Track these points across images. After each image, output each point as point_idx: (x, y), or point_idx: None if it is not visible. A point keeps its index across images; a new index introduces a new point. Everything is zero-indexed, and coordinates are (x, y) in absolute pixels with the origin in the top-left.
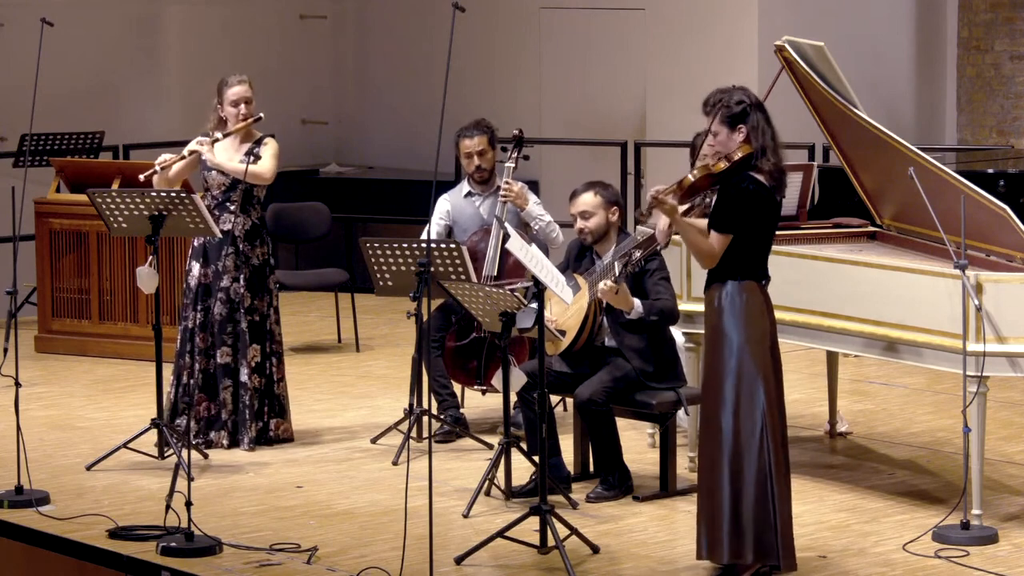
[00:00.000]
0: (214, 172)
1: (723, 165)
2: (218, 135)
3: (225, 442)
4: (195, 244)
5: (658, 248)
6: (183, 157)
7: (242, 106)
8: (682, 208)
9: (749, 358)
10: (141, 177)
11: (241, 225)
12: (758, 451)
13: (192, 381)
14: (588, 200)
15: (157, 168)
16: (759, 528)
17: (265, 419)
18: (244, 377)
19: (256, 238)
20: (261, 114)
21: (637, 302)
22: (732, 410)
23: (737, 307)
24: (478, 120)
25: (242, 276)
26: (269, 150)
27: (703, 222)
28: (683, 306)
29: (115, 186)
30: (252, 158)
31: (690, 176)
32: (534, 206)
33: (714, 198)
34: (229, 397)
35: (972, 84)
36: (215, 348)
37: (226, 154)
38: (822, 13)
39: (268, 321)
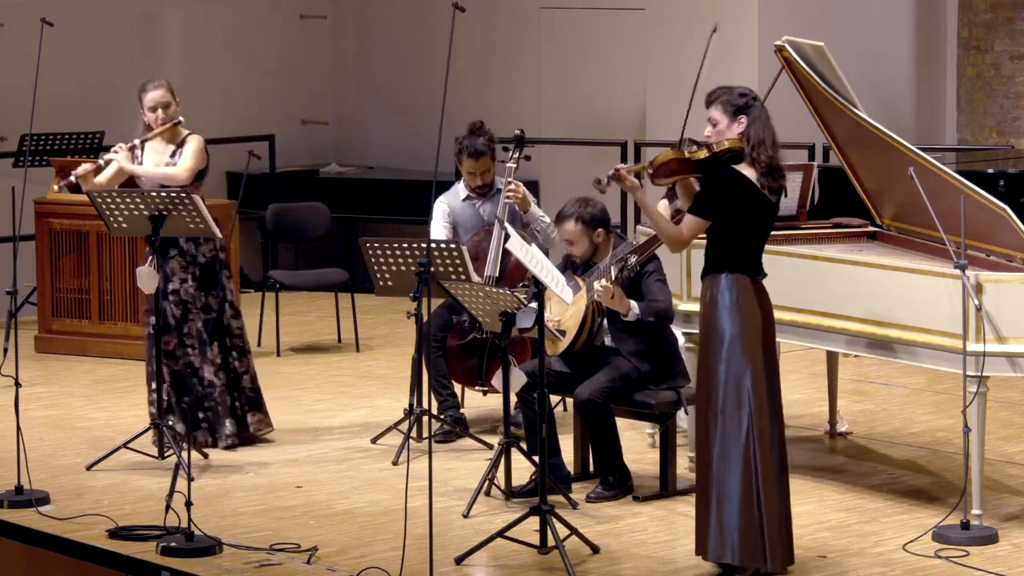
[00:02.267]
0: (143, 178)
1: (702, 154)
2: (135, 141)
3: (208, 440)
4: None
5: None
6: (100, 167)
7: (159, 111)
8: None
9: (738, 354)
10: (55, 188)
11: None
12: (743, 450)
13: (165, 385)
14: (570, 229)
15: (72, 178)
16: (743, 530)
17: (239, 414)
18: (210, 375)
19: (199, 237)
20: (180, 118)
21: (634, 304)
22: (720, 407)
23: (728, 302)
24: (476, 126)
25: (190, 276)
26: (190, 148)
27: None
28: (683, 306)
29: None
30: (177, 159)
31: (663, 157)
32: (535, 208)
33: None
34: (196, 397)
35: (972, 84)
36: (181, 350)
37: (153, 158)
38: (822, 13)
39: (224, 316)
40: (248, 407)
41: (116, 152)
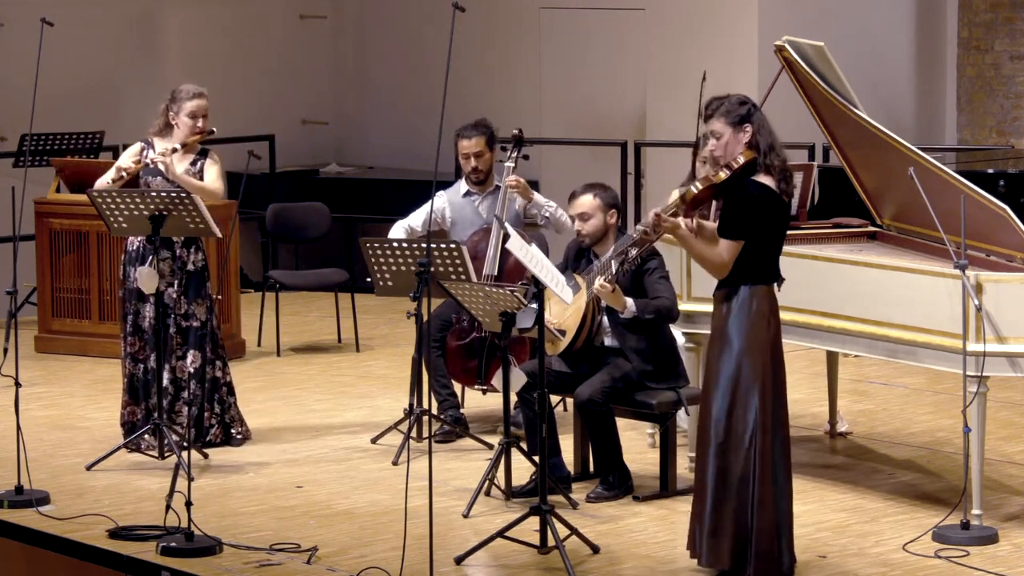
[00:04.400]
0: (159, 178)
1: (724, 175)
2: (176, 146)
3: (155, 443)
4: (130, 250)
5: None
6: (145, 165)
7: (200, 119)
8: (684, 221)
9: (748, 364)
10: (106, 180)
11: None
12: (744, 457)
13: (126, 383)
14: (587, 202)
15: (124, 175)
16: (736, 534)
17: (206, 424)
18: (165, 382)
19: (193, 244)
20: (214, 128)
21: (630, 302)
22: (725, 413)
23: (745, 313)
24: (478, 120)
25: (176, 281)
26: (214, 169)
27: (711, 226)
28: (683, 306)
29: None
30: (198, 170)
31: (693, 189)
32: (539, 196)
33: (711, 211)
34: (160, 401)
35: (972, 84)
36: (145, 352)
37: (175, 165)
38: (822, 13)
39: (209, 325)
40: (218, 420)
41: (164, 156)
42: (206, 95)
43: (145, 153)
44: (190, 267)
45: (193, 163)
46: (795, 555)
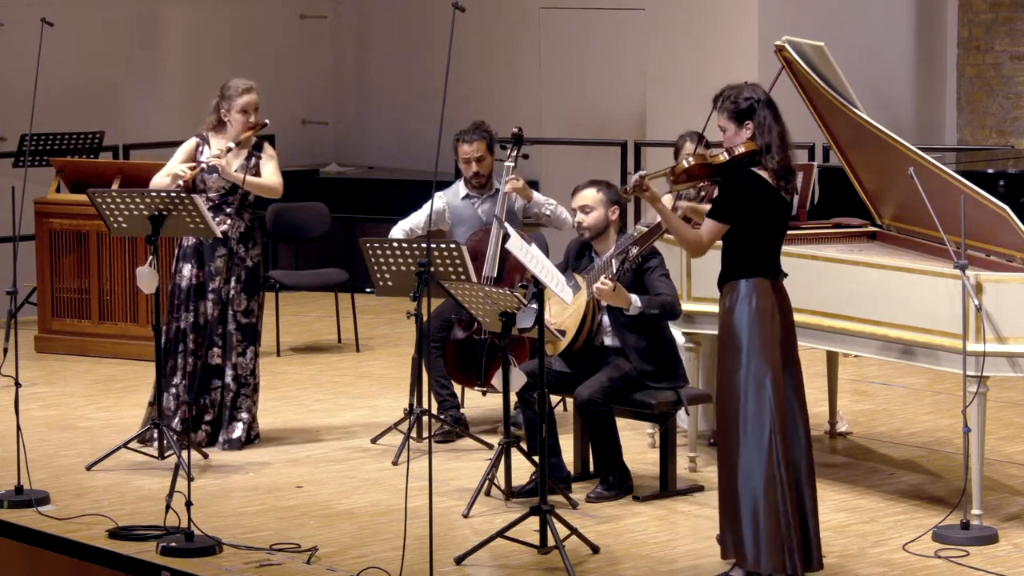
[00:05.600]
0: (214, 175)
1: (722, 158)
2: (231, 144)
3: (205, 440)
4: (185, 245)
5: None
6: (202, 169)
7: (252, 114)
8: (668, 198)
9: (757, 359)
10: (160, 184)
11: (236, 228)
12: (767, 456)
13: (184, 383)
14: (590, 195)
15: (180, 183)
16: (748, 533)
17: (251, 421)
18: (228, 379)
19: (249, 240)
20: (267, 120)
21: (635, 298)
22: (742, 412)
23: (747, 308)
24: (477, 124)
25: (234, 278)
26: (271, 165)
27: (703, 208)
28: (683, 306)
29: (115, 186)
30: (253, 166)
31: (684, 163)
32: (538, 195)
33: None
34: (217, 396)
35: (972, 84)
36: (204, 349)
37: (231, 161)
38: (822, 13)
39: (260, 323)
40: (253, 415)
41: (219, 158)
42: (255, 88)
43: (200, 149)
44: (248, 263)
45: (248, 158)
46: (812, 562)
